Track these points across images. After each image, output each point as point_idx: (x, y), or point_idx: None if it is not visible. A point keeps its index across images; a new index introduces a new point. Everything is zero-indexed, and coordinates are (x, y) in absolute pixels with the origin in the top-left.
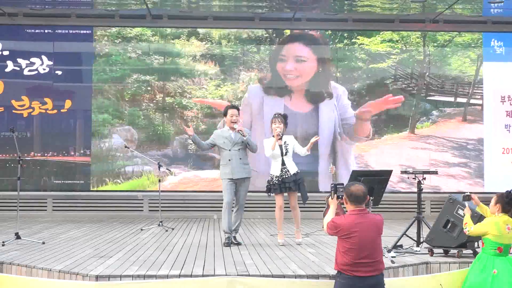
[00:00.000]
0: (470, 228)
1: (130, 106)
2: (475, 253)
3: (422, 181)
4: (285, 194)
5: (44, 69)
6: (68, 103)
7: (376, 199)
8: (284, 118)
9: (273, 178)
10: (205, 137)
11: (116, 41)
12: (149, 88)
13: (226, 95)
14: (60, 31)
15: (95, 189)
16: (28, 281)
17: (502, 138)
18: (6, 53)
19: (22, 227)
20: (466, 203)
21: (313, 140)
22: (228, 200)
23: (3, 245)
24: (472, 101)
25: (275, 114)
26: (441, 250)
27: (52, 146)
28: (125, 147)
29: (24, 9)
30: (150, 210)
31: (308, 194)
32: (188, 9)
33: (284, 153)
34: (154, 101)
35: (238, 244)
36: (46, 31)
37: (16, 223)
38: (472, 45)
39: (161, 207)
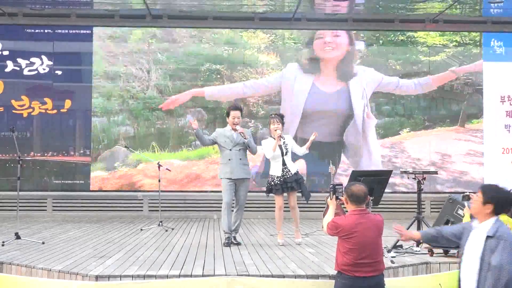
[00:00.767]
0: None
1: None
2: None
3: (422, 181)
4: (284, 194)
5: (44, 69)
6: (68, 103)
7: (376, 199)
8: (281, 117)
9: (274, 179)
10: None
11: (192, 33)
12: (218, 76)
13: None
14: (60, 31)
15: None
16: (28, 281)
17: (502, 138)
18: (6, 53)
19: (22, 227)
20: (466, 203)
21: (312, 138)
22: (228, 200)
23: (3, 245)
24: None
25: (271, 115)
26: (441, 250)
27: (52, 146)
28: (125, 147)
29: (24, 9)
30: (150, 210)
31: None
32: (188, 9)
33: (284, 153)
34: None
35: (238, 244)
36: (46, 31)
37: (16, 223)
38: None
39: (161, 207)
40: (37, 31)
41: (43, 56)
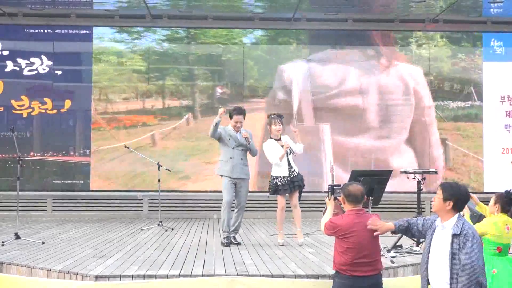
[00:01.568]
0: None
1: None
2: None
3: (421, 181)
4: (286, 194)
5: (43, 69)
6: (68, 103)
7: (376, 199)
8: (280, 118)
9: (281, 179)
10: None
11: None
12: None
13: None
14: (59, 31)
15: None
16: (28, 281)
17: (502, 138)
18: (5, 53)
19: (22, 227)
20: None
21: (297, 133)
22: (228, 200)
23: (3, 245)
24: None
25: (271, 115)
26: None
27: (52, 146)
28: (125, 147)
29: (24, 9)
30: (150, 210)
31: None
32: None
33: (289, 153)
34: None
35: (238, 244)
36: (45, 31)
37: (16, 223)
38: None
39: (161, 207)
40: (37, 31)
41: (43, 56)
